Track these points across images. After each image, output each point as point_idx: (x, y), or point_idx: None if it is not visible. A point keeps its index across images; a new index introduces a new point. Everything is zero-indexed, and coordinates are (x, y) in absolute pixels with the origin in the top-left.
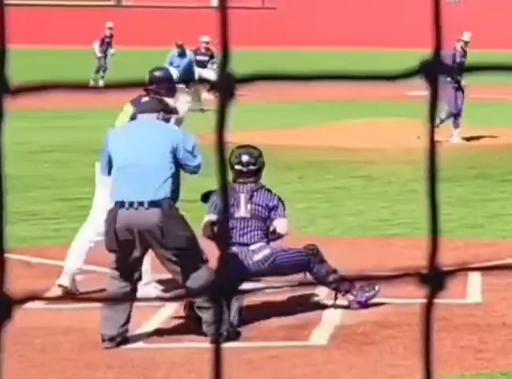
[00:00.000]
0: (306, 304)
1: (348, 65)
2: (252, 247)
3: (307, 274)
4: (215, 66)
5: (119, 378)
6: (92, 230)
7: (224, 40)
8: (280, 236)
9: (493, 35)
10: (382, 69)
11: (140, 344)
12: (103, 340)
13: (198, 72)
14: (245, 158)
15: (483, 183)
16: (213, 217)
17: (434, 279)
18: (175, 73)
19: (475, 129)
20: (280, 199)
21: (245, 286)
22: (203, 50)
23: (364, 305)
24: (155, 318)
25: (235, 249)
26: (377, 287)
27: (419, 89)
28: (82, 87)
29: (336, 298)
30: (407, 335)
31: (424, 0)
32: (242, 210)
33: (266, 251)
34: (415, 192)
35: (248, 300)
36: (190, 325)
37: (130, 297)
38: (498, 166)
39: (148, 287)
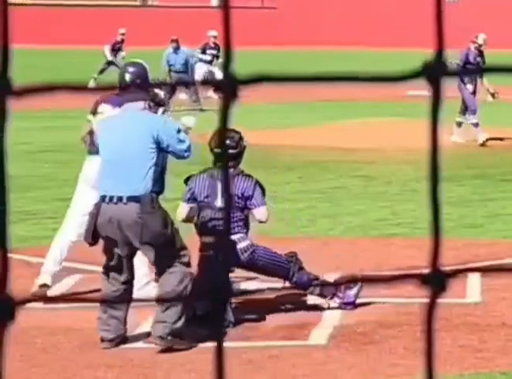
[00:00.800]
0: (305, 304)
1: (348, 65)
2: (233, 237)
3: (287, 283)
4: (220, 60)
5: (119, 378)
6: (73, 230)
7: (227, 41)
8: (261, 222)
9: (492, 34)
10: (383, 69)
11: (140, 344)
12: (102, 341)
13: (207, 68)
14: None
15: (483, 183)
16: (186, 208)
17: (436, 280)
18: (148, 69)
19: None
20: (257, 184)
21: (245, 286)
22: (212, 45)
23: (354, 304)
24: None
25: (210, 239)
26: (359, 283)
27: (419, 89)
28: (85, 88)
29: (328, 305)
30: (406, 335)
31: (425, 0)
32: (219, 201)
33: (246, 242)
34: (415, 192)
35: (248, 300)
36: (190, 325)
37: (126, 298)
38: (498, 166)
39: (148, 286)
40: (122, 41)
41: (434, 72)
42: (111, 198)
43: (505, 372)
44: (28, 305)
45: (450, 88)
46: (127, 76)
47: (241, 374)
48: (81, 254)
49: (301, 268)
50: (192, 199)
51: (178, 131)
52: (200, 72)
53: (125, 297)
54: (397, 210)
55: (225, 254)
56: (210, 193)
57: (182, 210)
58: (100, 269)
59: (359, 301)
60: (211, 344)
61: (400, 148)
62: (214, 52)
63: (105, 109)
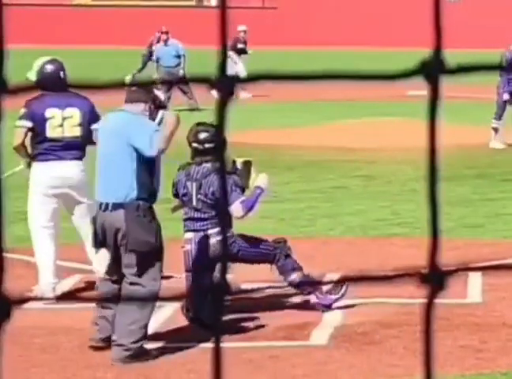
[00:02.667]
0: (306, 304)
1: (348, 65)
2: (209, 232)
3: (273, 267)
4: (247, 55)
5: (119, 378)
6: (49, 239)
7: (224, 40)
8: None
9: (492, 35)
10: (382, 69)
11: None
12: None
13: (237, 66)
14: (202, 135)
15: (483, 183)
16: (173, 204)
17: (434, 278)
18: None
19: (475, 129)
20: (229, 181)
21: (245, 286)
22: (242, 39)
23: (330, 307)
24: (155, 318)
25: (191, 234)
26: (343, 290)
27: (419, 89)
28: (81, 86)
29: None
30: (407, 335)
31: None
32: (194, 201)
33: (222, 236)
34: (415, 191)
35: (248, 300)
36: (189, 325)
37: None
38: (498, 166)
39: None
40: (160, 39)
41: (432, 70)
42: (101, 205)
43: (506, 372)
44: (28, 305)
45: (448, 87)
46: (61, 74)
47: (241, 374)
48: (81, 254)
49: (288, 256)
50: (176, 194)
51: (151, 136)
52: (239, 69)
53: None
54: (397, 210)
55: (223, 254)
56: (186, 192)
57: (172, 205)
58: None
59: (359, 301)
60: (211, 344)
61: (400, 147)
62: (243, 46)
63: (55, 113)
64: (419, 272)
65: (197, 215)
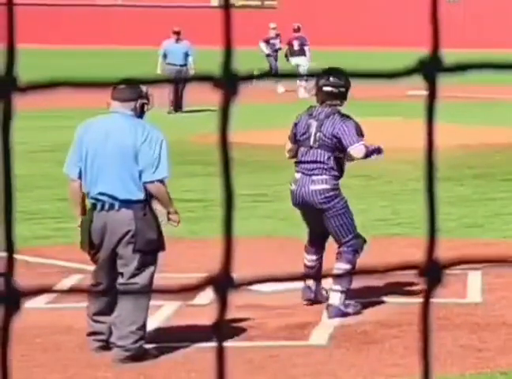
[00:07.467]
0: (306, 304)
1: (347, 64)
2: (314, 177)
3: (342, 248)
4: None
5: (120, 377)
6: None
7: (227, 38)
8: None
9: (492, 35)
10: (382, 68)
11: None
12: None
13: (295, 61)
14: (337, 79)
15: (483, 183)
16: (287, 146)
17: (432, 272)
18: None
19: (475, 128)
20: (350, 123)
21: (246, 286)
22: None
23: (343, 313)
24: (155, 318)
25: (298, 175)
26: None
27: (419, 88)
28: (89, 84)
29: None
30: (407, 335)
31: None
32: (312, 139)
33: (325, 186)
34: (415, 191)
35: (249, 300)
36: (189, 325)
37: (110, 307)
38: (498, 165)
39: None
40: (278, 35)
41: (430, 69)
42: (103, 204)
43: (506, 372)
44: (29, 304)
45: (448, 87)
46: None
47: (241, 374)
48: (81, 254)
49: (360, 250)
50: (293, 137)
51: (158, 156)
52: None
53: (108, 306)
54: (398, 209)
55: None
56: (305, 131)
57: (286, 148)
58: None
59: (359, 301)
60: (211, 344)
61: (400, 147)
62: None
63: None
64: (416, 265)
65: (310, 154)
